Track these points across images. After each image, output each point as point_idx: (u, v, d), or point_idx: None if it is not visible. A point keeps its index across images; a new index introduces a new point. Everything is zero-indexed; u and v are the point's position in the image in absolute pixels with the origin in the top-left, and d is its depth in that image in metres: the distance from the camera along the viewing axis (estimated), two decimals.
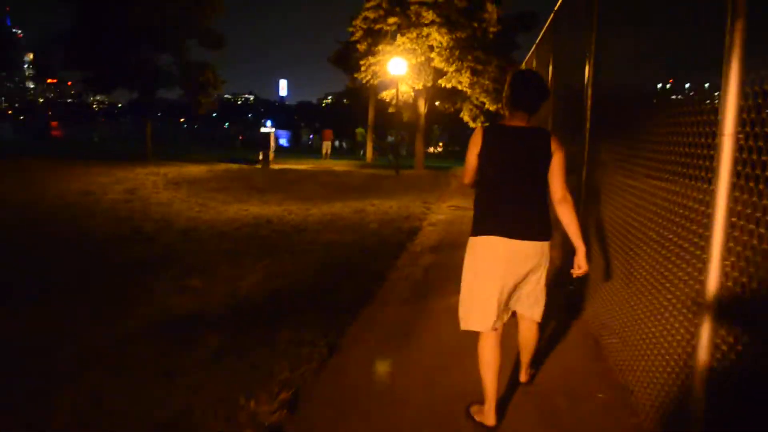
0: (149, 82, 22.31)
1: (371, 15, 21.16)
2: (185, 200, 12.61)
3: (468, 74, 20.19)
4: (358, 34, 21.90)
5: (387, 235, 8.38)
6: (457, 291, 3.37)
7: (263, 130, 23.77)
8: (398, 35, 20.67)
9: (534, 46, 11.52)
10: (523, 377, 3.68)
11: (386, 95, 22.60)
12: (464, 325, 3.29)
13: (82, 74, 23.10)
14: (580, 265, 3.24)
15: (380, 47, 21.00)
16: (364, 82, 22.68)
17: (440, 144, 52.44)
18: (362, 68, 21.95)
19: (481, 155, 3.21)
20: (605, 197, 4.52)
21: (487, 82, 20.42)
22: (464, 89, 20.73)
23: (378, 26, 21.02)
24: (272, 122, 33.25)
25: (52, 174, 17.50)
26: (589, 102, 5.15)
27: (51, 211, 10.76)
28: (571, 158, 6.00)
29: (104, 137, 51.07)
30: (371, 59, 21.50)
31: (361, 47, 21.97)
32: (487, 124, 3.75)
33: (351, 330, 4.58)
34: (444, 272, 6.56)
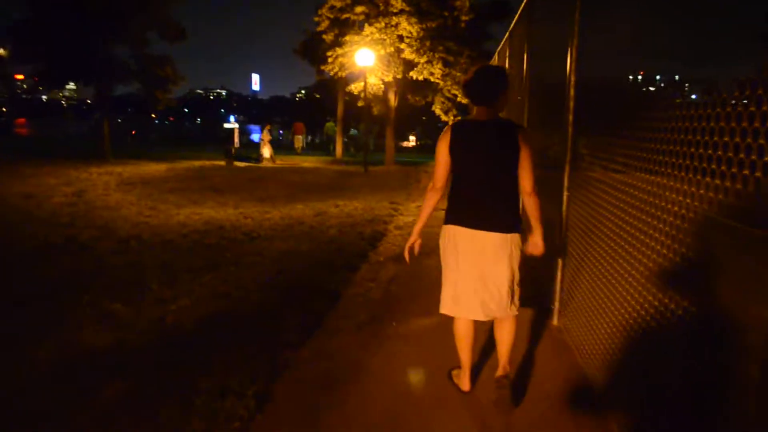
0: (104, 76, 21.11)
1: (338, 3, 20.18)
2: (135, 203, 11.70)
3: (439, 65, 19.38)
4: (324, 24, 20.91)
5: (347, 242, 7.58)
6: (419, 312, 4.05)
7: (227, 125, 22.66)
8: (366, 25, 19.75)
9: (506, 34, 10.80)
10: (499, 372, 3.50)
11: (354, 88, 21.68)
12: (442, 309, 3.48)
13: (33, 67, 21.82)
14: (537, 243, 3.43)
15: (348, 38, 20.04)
16: (331, 74, 21.77)
17: (412, 138, 51.68)
18: (329, 60, 21.00)
19: (451, 151, 3.28)
20: (589, 193, 3.94)
21: (459, 74, 19.61)
22: (436, 81, 19.90)
23: (345, 15, 20.05)
24: (235, 117, 32.06)
25: None
26: (572, 92, 4.41)
27: None
28: (546, 153, 5.47)
29: (70, 135, 49.39)
30: (338, 50, 20.52)
31: (328, 38, 20.98)
32: (459, 118, 4.01)
33: (288, 374, 3.77)
34: (406, 287, 5.79)
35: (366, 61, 18.38)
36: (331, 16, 20.58)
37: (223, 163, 22.20)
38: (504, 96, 3.35)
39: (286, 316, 4.76)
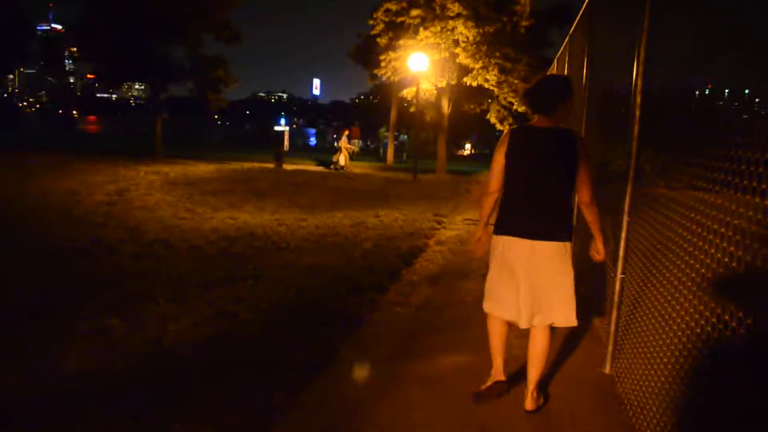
0: (158, 76, 21.19)
1: (393, 7, 19.63)
2: (173, 204, 11.43)
3: (495, 72, 18.57)
4: (379, 27, 20.37)
5: (380, 258, 6.96)
6: (450, 346, 3.78)
7: (277, 128, 22.39)
8: (421, 29, 19.12)
9: (566, 39, 10.02)
10: (527, 404, 3.35)
11: (407, 93, 21.06)
12: (484, 307, 3.45)
13: (93, 67, 22.14)
14: (598, 250, 3.40)
15: (402, 41, 19.44)
16: (384, 78, 21.24)
17: (467, 146, 50.68)
18: (382, 64, 20.46)
19: (507, 157, 3.27)
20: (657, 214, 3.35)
21: (516, 81, 18.77)
22: (491, 88, 19.11)
23: (400, 19, 19.48)
24: (287, 120, 31.81)
25: (49, 170, 16.57)
26: (638, 99, 3.70)
27: (21, 212, 9.80)
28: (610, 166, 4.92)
29: (133, 133, 50.63)
30: (391, 54, 19.96)
31: (382, 41, 20.43)
32: (515, 126, 3.63)
33: (278, 425, 3.15)
34: (439, 315, 5.12)
35: (419, 65, 17.76)
36: (386, 20, 20.05)
37: (272, 165, 21.99)
38: (565, 106, 3.30)
39: (294, 345, 4.18)
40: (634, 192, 3.81)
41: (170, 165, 20.04)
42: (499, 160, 3.31)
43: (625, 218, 3.86)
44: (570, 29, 9.22)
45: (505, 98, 19.98)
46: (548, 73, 3.37)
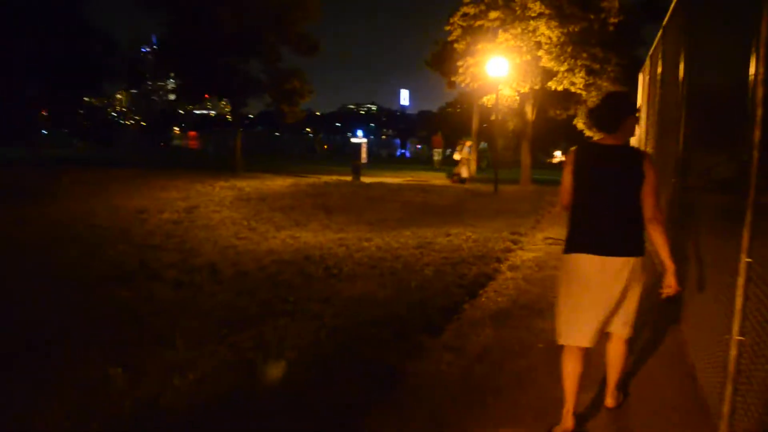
0: (237, 91, 21.20)
1: (471, 10, 18.61)
2: (237, 222, 11.04)
3: (582, 74, 17.16)
4: (456, 33, 19.35)
5: (440, 289, 6.06)
6: (508, 418, 3.34)
7: (354, 140, 21.90)
8: (500, 31, 18.01)
9: (659, 33, 8.80)
10: (609, 401, 3.56)
11: (487, 101, 19.96)
12: (559, 340, 3.34)
13: (175, 83, 22.51)
14: (670, 285, 3.26)
15: (480, 46, 18.37)
16: (462, 85, 20.26)
17: (557, 153, 48.58)
18: (460, 70, 19.48)
19: (575, 174, 3.30)
20: None
21: (605, 84, 17.23)
22: (578, 92, 17.71)
23: (478, 23, 18.39)
24: (364, 132, 31.28)
25: (127, 187, 16.81)
26: (759, 93, 2.70)
27: (80, 232, 9.65)
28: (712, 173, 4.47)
29: (230, 147, 52.11)
30: (469, 60, 18.90)
31: (460, 47, 19.42)
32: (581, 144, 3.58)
33: None
34: (499, 370, 4.18)
35: (499, 70, 16.69)
36: (464, 24, 19.04)
37: (350, 178, 21.52)
38: (628, 123, 3.32)
39: (309, 414, 3.40)
40: (755, 218, 2.80)
41: (248, 180, 19.97)
42: (567, 177, 3.35)
43: (744, 258, 2.85)
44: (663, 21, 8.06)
45: (593, 102, 18.52)
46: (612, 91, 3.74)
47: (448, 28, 19.72)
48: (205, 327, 4.91)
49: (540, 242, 9.15)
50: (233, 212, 12.39)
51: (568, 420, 3.26)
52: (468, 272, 6.78)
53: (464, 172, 21.41)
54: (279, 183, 19.49)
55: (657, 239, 3.25)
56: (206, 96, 23.44)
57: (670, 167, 6.67)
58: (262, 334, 4.64)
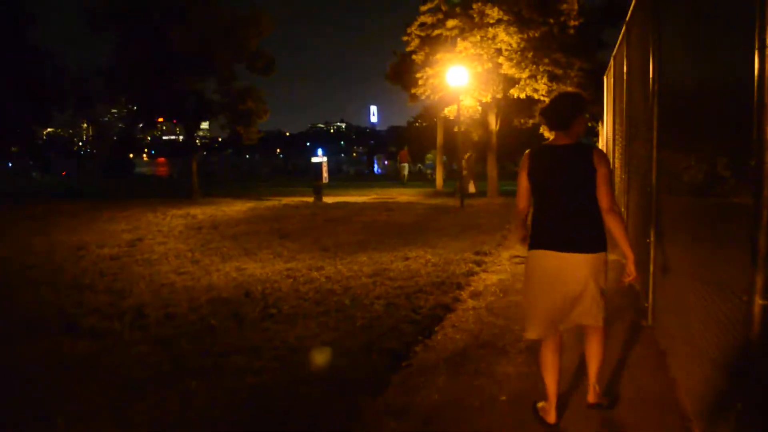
0: (191, 113, 20.25)
1: (428, 20, 17.91)
2: (181, 255, 10.16)
3: (545, 80, 16.54)
4: (414, 43, 18.61)
5: (390, 327, 5.23)
6: None
7: (315, 159, 21.09)
8: (459, 40, 17.35)
9: (622, 30, 8.21)
10: (590, 397, 3.58)
11: (449, 112, 19.28)
12: (525, 335, 3.53)
13: (126, 107, 21.51)
14: (630, 273, 3.39)
15: (439, 56, 17.68)
16: (423, 98, 19.53)
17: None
18: (420, 82, 18.75)
19: (530, 176, 3.42)
20: None
21: (570, 89, 16.68)
22: (542, 98, 17.10)
23: (436, 32, 17.67)
24: (324, 150, 30.34)
25: (73, 220, 15.80)
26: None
27: (11, 272, 9.01)
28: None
29: (198, 172, 50.95)
30: (429, 71, 18.19)
31: (418, 58, 18.66)
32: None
33: None
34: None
35: (459, 80, 16.02)
36: (422, 34, 18.34)
37: (311, 199, 20.69)
38: (580, 121, 3.40)
39: None
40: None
41: (204, 206, 19.04)
42: (522, 181, 3.45)
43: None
44: (626, 18, 7.44)
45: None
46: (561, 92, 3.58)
47: (405, 38, 19.02)
48: (101, 394, 4.04)
49: (506, 261, 8.39)
50: (180, 243, 11.49)
51: (551, 414, 3.39)
52: (424, 304, 5.97)
53: (471, 187, 21.60)
54: (236, 208, 18.57)
55: (615, 229, 3.32)
56: (160, 120, 22.35)
57: (641, 170, 6.07)
58: (156, 404, 3.77)
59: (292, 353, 4.68)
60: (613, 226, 3.31)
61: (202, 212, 17.34)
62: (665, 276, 4.61)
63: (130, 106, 21.12)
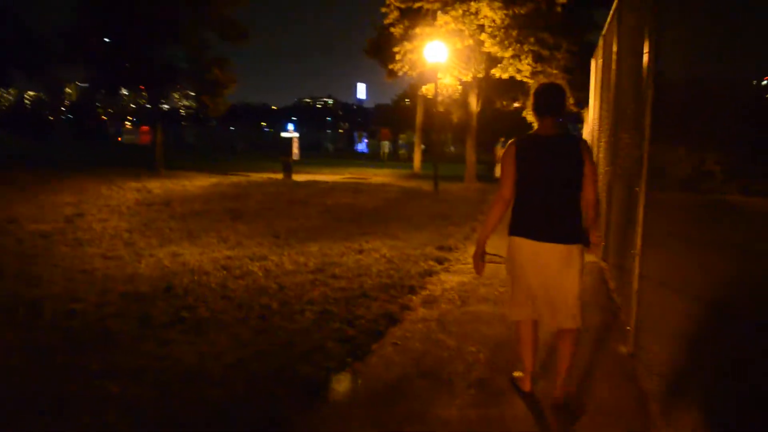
0: (153, 81, 19.01)
1: None
2: (119, 234, 9.20)
3: (529, 60, 15.53)
4: (393, 15, 17.39)
5: (315, 343, 4.29)
6: None
7: (284, 134, 20.01)
8: (439, 13, 16.23)
9: (613, 7, 7.23)
10: (557, 392, 3.54)
11: (426, 90, 18.23)
12: (508, 317, 3.72)
13: (85, 73, 20.21)
14: (595, 242, 3.49)
15: (418, 30, 16.59)
16: (400, 74, 18.46)
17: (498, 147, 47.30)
18: (397, 57, 17.64)
19: (518, 165, 3.42)
20: None
21: (555, 71, 15.64)
22: (525, 80, 16.12)
23: (417, 4, 16.48)
24: (295, 126, 29.01)
25: (18, 189, 14.62)
26: None
27: None
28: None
29: (180, 143, 49.38)
30: (407, 45, 17.11)
31: (396, 31, 17.50)
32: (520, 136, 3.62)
33: None
34: None
35: (437, 56, 14.98)
36: (402, 6, 17.20)
37: (281, 176, 19.65)
38: (566, 109, 3.51)
39: None
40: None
41: (166, 179, 17.95)
42: (508, 169, 3.46)
43: None
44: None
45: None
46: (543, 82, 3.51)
47: (384, 10, 17.85)
48: None
49: (471, 259, 7.48)
50: (122, 221, 10.47)
51: (526, 383, 3.62)
52: (365, 312, 5.03)
53: (497, 172, 20.22)
54: (199, 183, 17.50)
55: (594, 215, 3.48)
56: (120, 87, 21.09)
57: (626, 162, 5.23)
58: None
59: (180, 380, 3.71)
60: (594, 215, 3.47)
61: (160, 186, 16.29)
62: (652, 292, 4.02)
63: (91, 71, 19.78)
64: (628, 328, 4.30)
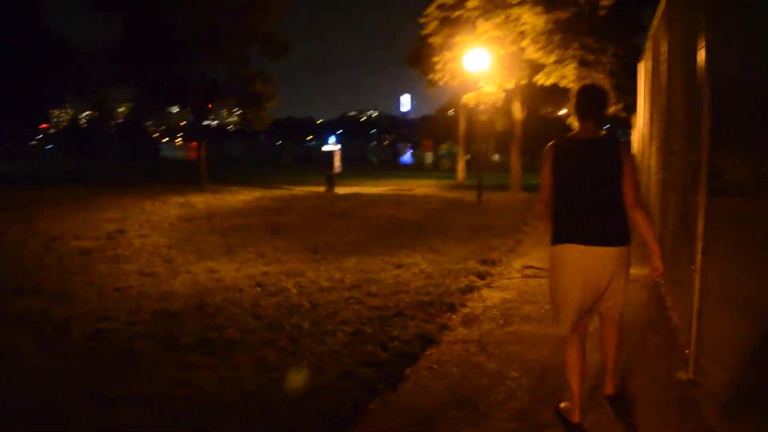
0: (200, 97, 19.25)
1: (448, 0, 16.61)
2: (157, 250, 9.20)
3: (573, 66, 15.10)
4: (432, 26, 17.08)
5: (344, 369, 4.04)
6: None
7: (325, 148, 19.97)
8: (480, 20, 15.85)
9: (661, 8, 6.79)
10: (607, 389, 3.57)
11: (468, 99, 17.89)
12: (554, 331, 3.52)
13: (134, 92, 20.63)
14: (657, 268, 3.34)
15: (458, 38, 16.30)
16: (441, 84, 18.20)
17: None
18: (437, 66, 17.38)
19: (554, 169, 3.34)
20: None
21: (600, 76, 15.06)
22: (569, 86, 15.60)
23: (456, 13, 16.18)
24: (338, 139, 28.97)
25: (63, 206, 15.00)
26: None
27: None
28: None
29: (227, 157, 50.35)
30: (447, 54, 16.84)
31: (436, 41, 17.23)
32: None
33: None
34: None
35: (478, 64, 14.65)
36: (441, 16, 16.93)
37: (323, 189, 19.59)
38: (605, 112, 3.42)
39: None
40: None
41: (208, 194, 18.13)
42: (546, 174, 3.38)
43: None
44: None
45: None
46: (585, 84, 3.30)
47: (423, 20, 17.61)
48: None
49: (516, 273, 7.10)
50: (162, 237, 10.49)
51: (575, 414, 3.31)
52: (400, 333, 4.73)
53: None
54: (241, 197, 17.62)
55: (641, 224, 3.30)
56: (167, 105, 21.50)
57: (680, 168, 4.83)
58: None
59: (196, 409, 3.50)
60: (639, 221, 3.30)
61: (203, 201, 16.46)
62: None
63: (136, 89, 20.19)
64: (688, 351, 3.89)
